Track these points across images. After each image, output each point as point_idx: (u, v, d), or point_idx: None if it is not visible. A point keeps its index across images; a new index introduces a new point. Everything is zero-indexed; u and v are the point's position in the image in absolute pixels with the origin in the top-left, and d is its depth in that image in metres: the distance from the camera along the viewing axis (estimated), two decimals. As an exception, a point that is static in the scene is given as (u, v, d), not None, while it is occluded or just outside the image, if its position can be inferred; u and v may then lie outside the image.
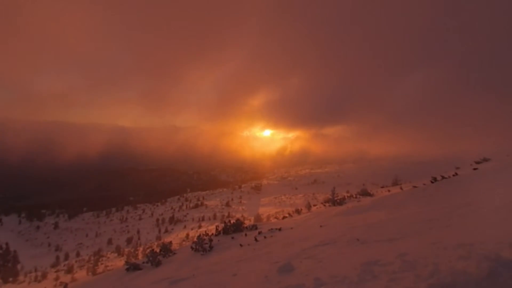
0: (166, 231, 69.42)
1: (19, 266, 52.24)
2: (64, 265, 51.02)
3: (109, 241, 66.26)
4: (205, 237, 10.98)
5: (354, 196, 19.32)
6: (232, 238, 11.09)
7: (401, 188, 18.03)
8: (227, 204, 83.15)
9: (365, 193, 19.14)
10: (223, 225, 13.14)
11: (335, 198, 16.77)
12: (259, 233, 10.68)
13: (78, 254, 59.10)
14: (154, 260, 9.77)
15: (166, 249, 11.07)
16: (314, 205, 24.47)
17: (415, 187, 14.22)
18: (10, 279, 43.77)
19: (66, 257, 57.89)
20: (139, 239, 66.57)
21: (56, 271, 46.42)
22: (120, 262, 36.55)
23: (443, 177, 13.37)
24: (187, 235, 55.72)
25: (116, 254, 54.47)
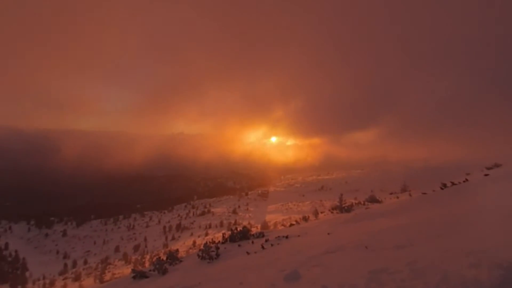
0: (173, 238, 69.48)
1: (27, 274, 52.90)
2: (71, 273, 51.39)
3: (117, 249, 66.56)
4: (211, 245, 10.94)
5: (362, 203, 19.09)
6: (239, 245, 11.03)
7: (410, 195, 17.76)
8: (234, 211, 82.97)
9: (373, 200, 18.90)
10: (229, 232, 13.09)
11: (343, 205, 16.59)
12: (266, 240, 10.61)
13: (85, 262, 59.49)
14: (161, 268, 9.75)
15: (173, 257, 11.05)
16: (322, 212, 24.22)
17: (424, 193, 14.00)
18: (19, 286, 44.19)
19: (74, 264, 58.30)
20: (146, 246, 66.73)
21: (64, 279, 46.75)
22: (127, 270, 36.62)
23: (453, 184, 13.15)
24: (194, 242, 55.66)
25: (123, 262, 54.67)
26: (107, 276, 37.34)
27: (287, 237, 10.57)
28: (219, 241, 12.82)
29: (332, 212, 18.10)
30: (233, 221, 71.42)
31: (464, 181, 13.04)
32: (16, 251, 61.92)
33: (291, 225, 17.13)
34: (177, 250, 14.25)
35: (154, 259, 11.87)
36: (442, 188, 13.04)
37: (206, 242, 11.26)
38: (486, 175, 13.29)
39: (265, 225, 36.18)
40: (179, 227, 75.57)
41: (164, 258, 11.10)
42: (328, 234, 8.91)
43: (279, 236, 10.87)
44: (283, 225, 31.34)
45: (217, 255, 9.83)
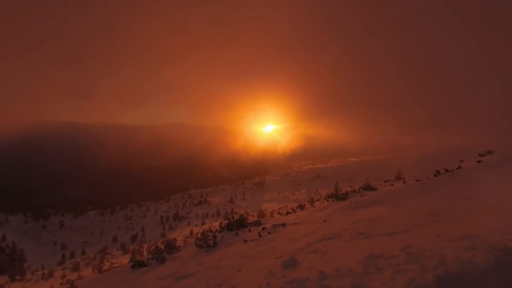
0: (170, 228, 70.00)
1: (26, 265, 53.10)
2: (70, 263, 51.67)
3: (114, 239, 66.92)
4: (209, 234, 11.03)
5: (357, 190, 19.27)
6: (236, 234, 11.12)
7: (404, 182, 17.98)
8: (231, 201, 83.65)
9: (368, 188, 19.08)
10: (226, 221, 13.17)
11: (338, 193, 16.74)
12: (263, 228, 10.70)
13: (83, 252, 59.79)
14: (159, 256, 9.84)
15: (171, 246, 11.14)
16: (317, 200, 24.43)
17: (418, 180, 14.18)
18: (18, 277, 44.37)
19: (72, 255, 58.60)
20: (143, 236, 67.22)
21: (62, 269, 46.98)
22: (125, 260, 36.90)
23: (446, 170, 13.32)
24: (191, 231, 56.18)
25: (121, 252, 55.10)
26: (106, 266, 37.57)
27: (283, 225, 10.67)
28: (216, 230, 12.91)
29: (327, 200, 18.27)
30: (229, 210, 72.07)
31: (457, 168, 13.21)
32: (13, 243, 61.90)
33: (288, 213, 17.28)
34: (174, 239, 14.36)
35: (152, 248, 11.96)
36: (436, 175, 13.20)
37: (204, 231, 11.35)
38: (479, 161, 13.48)
39: (261, 214, 36.34)
40: (176, 217, 76.06)
41: (162, 247, 11.18)
42: (324, 221, 9.01)
43: (275, 224, 10.97)
44: (279, 213, 31.60)
45: (215, 243, 9.92)
